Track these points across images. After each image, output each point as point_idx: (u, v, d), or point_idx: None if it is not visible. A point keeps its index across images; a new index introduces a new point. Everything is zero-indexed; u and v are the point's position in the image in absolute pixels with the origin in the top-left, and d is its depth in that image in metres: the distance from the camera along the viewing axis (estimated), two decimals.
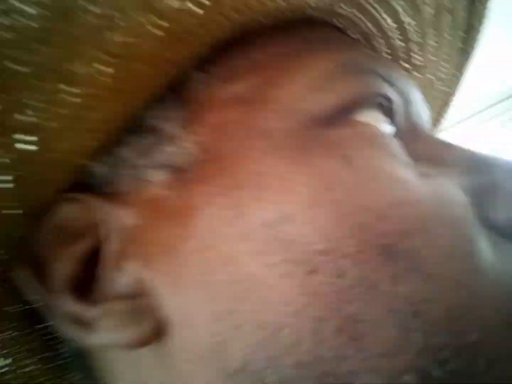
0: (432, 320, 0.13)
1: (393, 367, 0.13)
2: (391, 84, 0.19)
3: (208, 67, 0.19)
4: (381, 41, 0.24)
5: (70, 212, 0.17)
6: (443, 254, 0.14)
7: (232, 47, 0.19)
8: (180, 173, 0.17)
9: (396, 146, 0.17)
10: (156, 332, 0.16)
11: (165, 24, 0.15)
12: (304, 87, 0.17)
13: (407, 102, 0.20)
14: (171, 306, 0.16)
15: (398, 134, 0.19)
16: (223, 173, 0.16)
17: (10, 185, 0.15)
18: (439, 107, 0.37)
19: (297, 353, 0.14)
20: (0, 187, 0.15)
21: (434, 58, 0.31)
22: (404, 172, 0.16)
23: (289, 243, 0.14)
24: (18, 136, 0.15)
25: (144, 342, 0.16)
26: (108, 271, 0.16)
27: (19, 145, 0.15)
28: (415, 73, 0.32)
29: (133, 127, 0.18)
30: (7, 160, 0.15)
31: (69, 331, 0.16)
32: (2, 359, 0.19)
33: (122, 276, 0.16)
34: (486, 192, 0.16)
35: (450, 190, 0.16)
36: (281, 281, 0.14)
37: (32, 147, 0.15)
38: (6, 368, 0.19)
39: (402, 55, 0.30)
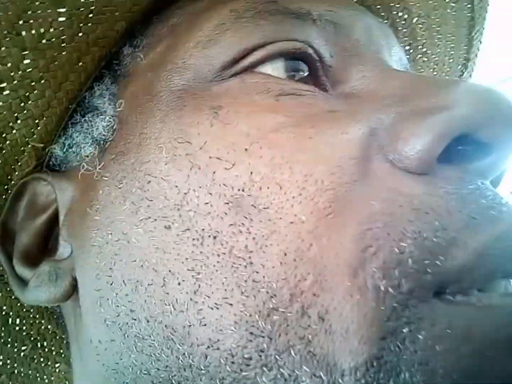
0: (265, 267, 0.13)
1: (220, 320, 0.13)
2: (311, 19, 0.17)
3: (136, 40, 0.20)
4: None
5: (35, 190, 0.20)
6: (289, 199, 0.13)
7: (159, 16, 0.20)
8: (104, 146, 0.18)
9: (286, 92, 0.16)
10: (71, 290, 0.18)
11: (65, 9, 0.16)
12: (196, 44, 0.17)
13: (342, 33, 0.18)
14: (78, 266, 0.18)
15: (324, 72, 0.18)
16: (121, 140, 0.17)
17: None
18: None
19: (149, 306, 0.15)
20: None
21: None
22: (273, 118, 0.15)
23: (152, 200, 0.15)
24: None
25: (60, 299, 0.18)
26: (55, 239, 0.19)
27: None
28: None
29: (82, 108, 0.20)
30: None
31: (15, 290, 0.19)
32: None
33: (60, 243, 0.19)
34: (399, 123, 0.14)
35: (333, 131, 0.14)
36: (143, 239, 0.15)
37: None
38: None
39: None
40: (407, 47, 0.34)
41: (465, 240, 0.12)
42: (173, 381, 0.14)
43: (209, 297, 0.13)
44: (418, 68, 0.35)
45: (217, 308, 0.13)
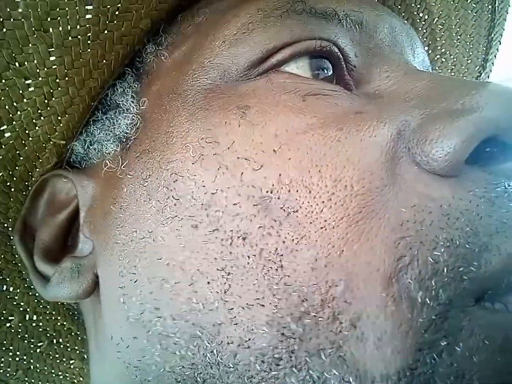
0: (296, 271, 0.13)
1: (252, 320, 0.13)
2: (336, 19, 0.17)
3: (160, 38, 0.19)
4: None
5: (55, 187, 0.20)
6: (318, 203, 0.13)
7: (184, 14, 0.20)
8: (126, 143, 0.18)
9: (312, 92, 0.16)
10: (93, 287, 0.18)
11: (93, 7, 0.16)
12: (223, 43, 0.17)
13: (366, 34, 0.18)
14: (100, 263, 0.18)
15: (348, 72, 0.18)
16: (146, 138, 0.17)
17: None
18: None
19: (175, 304, 0.14)
20: None
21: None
22: (301, 119, 0.15)
23: (178, 199, 0.15)
24: None
25: (82, 295, 0.18)
26: (75, 235, 0.19)
27: None
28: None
29: (103, 105, 0.20)
30: None
31: (36, 287, 0.19)
32: None
33: (81, 240, 0.19)
34: (427, 125, 0.14)
35: (361, 134, 0.14)
36: (169, 237, 0.15)
37: (7, 134, 0.18)
38: None
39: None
40: (426, 48, 0.33)
41: (497, 245, 0.12)
42: (199, 379, 0.14)
43: (240, 297, 0.13)
44: (435, 69, 0.35)
45: (249, 308, 0.13)
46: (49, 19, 0.16)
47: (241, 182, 0.14)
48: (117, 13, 0.17)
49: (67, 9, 0.16)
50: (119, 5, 0.17)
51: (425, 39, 0.33)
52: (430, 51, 0.34)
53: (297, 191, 0.13)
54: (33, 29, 0.16)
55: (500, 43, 0.38)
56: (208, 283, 0.14)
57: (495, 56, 0.38)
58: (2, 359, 0.23)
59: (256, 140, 0.15)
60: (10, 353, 0.23)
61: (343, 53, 0.17)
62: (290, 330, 0.13)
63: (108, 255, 0.17)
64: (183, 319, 0.14)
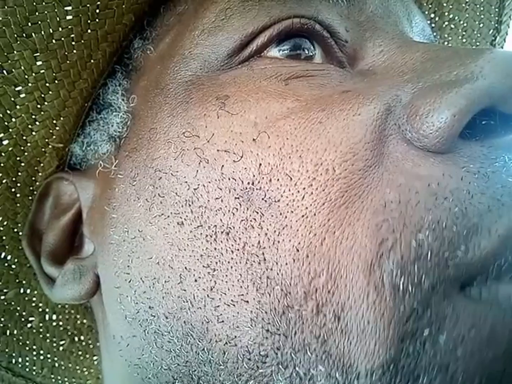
0: (278, 263, 0.12)
1: (237, 317, 0.13)
2: None
3: (146, 32, 0.19)
4: None
5: (59, 190, 0.21)
6: (299, 190, 0.13)
7: (166, 5, 0.19)
8: (119, 143, 0.18)
9: (296, 75, 0.15)
10: (95, 288, 0.18)
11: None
12: (202, 32, 0.16)
13: (355, 7, 0.17)
14: (99, 263, 0.18)
15: (340, 48, 0.17)
16: (134, 136, 0.17)
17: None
18: None
19: (167, 303, 0.14)
20: None
21: None
22: (282, 104, 0.14)
23: (164, 197, 0.15)
24: None
25: (84, 296, 0.18)
26: (81, 237, 0.19)
27: None
28: None
29: (97, 105, 0.20)
30: None
31: (44, 289, 0.20)
32: None
33: (84, 241, 0.19)
34: (418, 100, 0.13)
35: (344, 113, 0.13)
36: (157, 236, 0.15)
37: (5, 142, 0.18)
38: None
39: None
40: (432, 15, 0.31)
41: (488, 226, 0.11)
42: (194, 376, 0.14)
43: (225, 293, 0.13)
44: (445, 36, 0.33)
45: (234, 305, 0.13)
46: (29, 24, 0.16)
47: (222, 175, 0.14)
48: (97, 11, 0.17)
49: (46, 12, 0.16)
50: (98, 3, 0.17)
51: (430, 5, 0.31)
52: (437, 18, 0.32)
53: (278, 179, 0.13)
54: (15, 35, 0.16)
55: None
56: (195, 280, 0.14)
57: (510, 17, 0.36)
58: (27, 358, 0.24)
59: (235, 130, 0.14)
60: (34, 352, 0.24)
61: (330, 29, 0.17)
62: (274, 326, 0.12)
63: (105, 255, 0.17)
64: (175, 317, 0.14)
